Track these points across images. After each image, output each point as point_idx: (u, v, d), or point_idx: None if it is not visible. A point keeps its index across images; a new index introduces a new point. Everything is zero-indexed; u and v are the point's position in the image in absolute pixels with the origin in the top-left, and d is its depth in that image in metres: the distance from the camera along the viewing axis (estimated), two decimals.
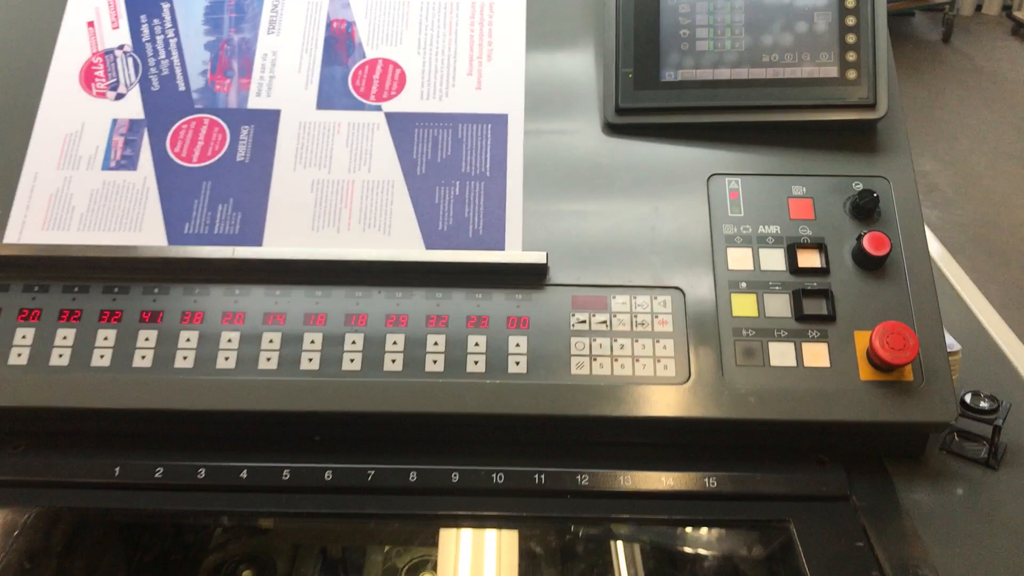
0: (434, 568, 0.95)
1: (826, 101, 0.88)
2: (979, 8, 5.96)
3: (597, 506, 0.80)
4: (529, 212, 0.87)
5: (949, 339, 0.86)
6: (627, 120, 0.90)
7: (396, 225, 0.87)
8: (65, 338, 0.82)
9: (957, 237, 3.40)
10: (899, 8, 5.59)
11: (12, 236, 0.86)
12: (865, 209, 0.86)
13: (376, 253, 0.85)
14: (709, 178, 0.89)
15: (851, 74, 0.88)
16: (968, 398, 0.86)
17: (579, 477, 0.80)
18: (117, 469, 0.80)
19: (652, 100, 0.90)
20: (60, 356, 0.82)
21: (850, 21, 0.89)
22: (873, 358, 0.81)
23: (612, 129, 0.91)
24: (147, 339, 0.82)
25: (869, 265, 0.85)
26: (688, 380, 0.81)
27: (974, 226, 3.48)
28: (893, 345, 0.79)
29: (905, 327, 0.80)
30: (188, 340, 0.82)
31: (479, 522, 0.81)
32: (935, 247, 1.21)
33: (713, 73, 0.89)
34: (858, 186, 0.88)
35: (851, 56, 0.88)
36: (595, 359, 0.82)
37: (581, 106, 0.92)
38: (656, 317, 0.84)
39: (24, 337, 0.83)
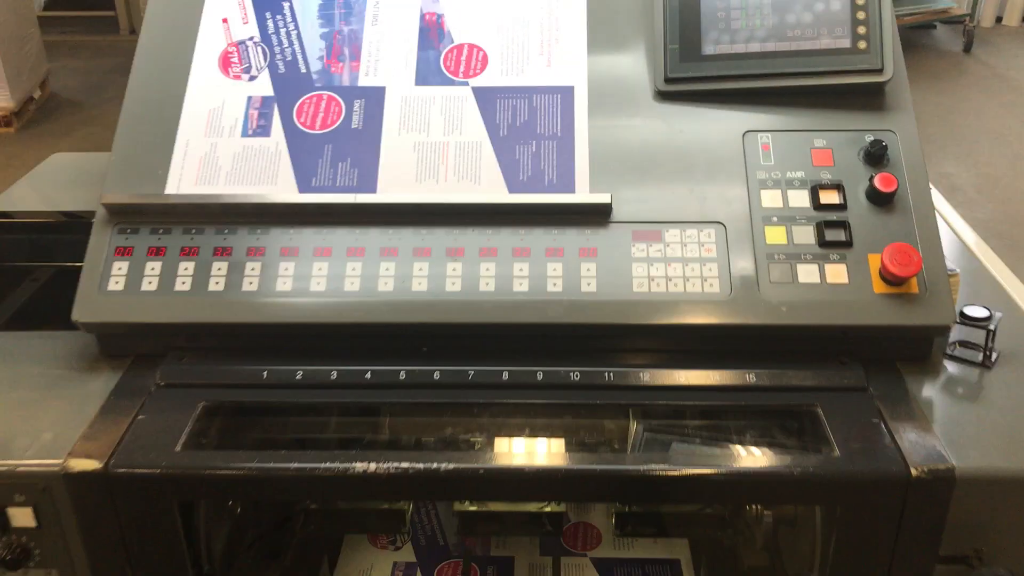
0: None
1: (841, 67, 1.06)
2: (999, 20, 6.10)
3: (659, 397, 0.97)
4: (594, 164, 1.05)
5: (949, 263, 1.03)
6: (675, 88, 1.09)
7: (484, 176, 1.05)
8: (219, 269, 1.01)
9: (980, 233, 3.53)
10: (920, 20, 5.74)
11: (171, 189, 1.06)
12: (876, 156, 1.04)
13: (469, 197, 1.03)
14: (744, 134, 1.07)
15: (861, 44, 1.06)
16: (966, 310, 1.03)
17: (642, 374, 0.98)
18: (265, 373, 0.99)
19: (695, 70, 1.08)
20: (216, 283, 1.01)
21: (860, 1, 1.07)
22: (884, 273, 0.98)
23: (662, 96, 1.09)
24: (286, 269, 1.01)
25: (880, 201, 1.02)
26: (731, 294, 0.98)
27: (995, 223, 3.62)
28: (900, 261, 0.96)
29: (910, 247, 0.97)
30: (320, 269, 1.01)
31: (558, 410, 0.98)
32: (940, 201, 1.37)
33: (746, 47, 1.07)
34: (869, 138, 1.05)
35: (861, 30, 1.06)
36: (652, 280, 0.99)
37: (635, 77, 1.10)
38: (702, 246, 1.01)
39: (186, 269, 1.02)
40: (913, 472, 0.86)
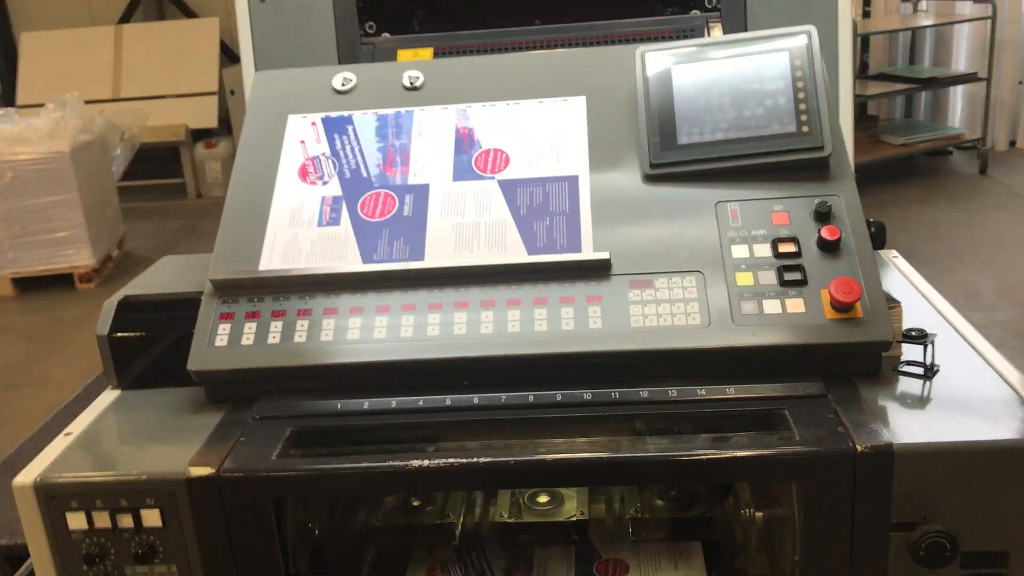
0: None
1: (790, 147, 1.33)
2: (1013, 143, 6.39)
3: (655, 409, 1.19)
4: (597, 232, 1.32)
5: (890, 295, 1.26)
6: (658, 171, 1.36)
7: (509, 245, 1.32)
8: (302, 326, 1.28)
9: (999, 333, 3.71)
10: (935, 147, 6.06)
11: (264, 267, 1.34)
12: (823, 214, 1.29)
13: (497, 260, 1.30)
14: (716, 204, 1.33)
15: (805, 128, 1.33)
16: (907, 330, 1.25)
17: (640, 392, 1.21)
18: (339, 404, 1.24)
19: (673, 156, 1.36)
20: (300, 336, 1.27)
21: (800, 96, 1.35)
22: (833, 302, 1.21)
23: (648, 178, 1.37)
24: (354, 323, 1.27)
25: (827, 248, 1.26)
26: (709, 324, 1.22)
27: (1013, 323, 3.79)
28: (844, 290, 1.20)
29: (852, 280, 1.21)
30: (381, 322, 1.27)
31: (574, 422, 1.20)
32: (908, 268, 1.61)
33: (713, 136, 1.35)
34: (817, 200, 1.31)
35: (804, 117, 1.34)
36: (646, 316, 1.24)
37: (626, 164, 1.38)
38: (685, 289, 1.26)
39: (275, 327, 1.28)
40: (858, 448, 1.07)
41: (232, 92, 6.65)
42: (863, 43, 6.49)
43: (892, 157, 5.88)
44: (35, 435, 2.37)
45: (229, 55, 7.15)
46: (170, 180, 6.98)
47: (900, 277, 1.58)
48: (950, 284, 4.17)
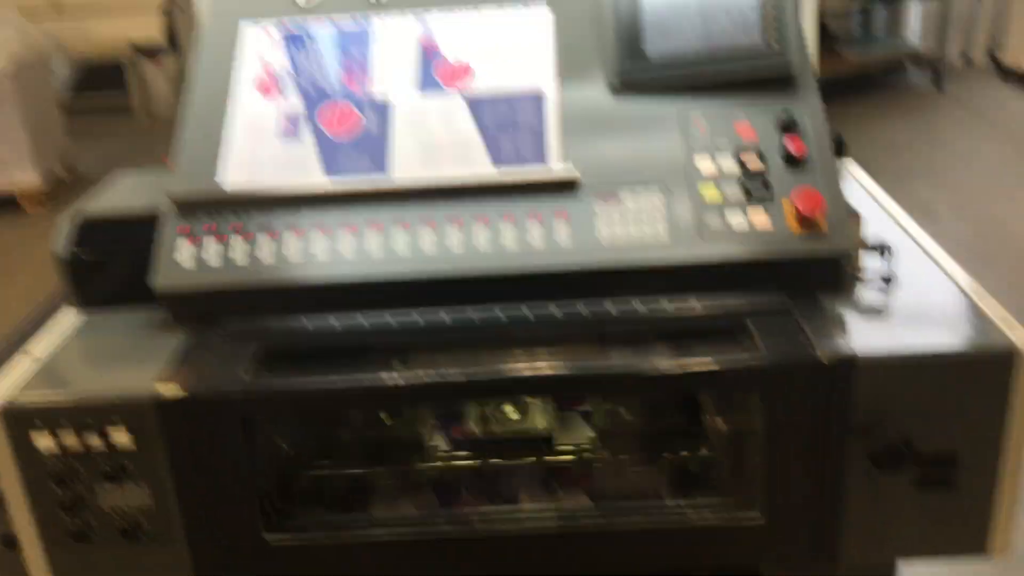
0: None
1: (758, 61, 1.32)
2: (968, 59, 6.42)
3: (623, 323, 1.21)
4: (565, 146, 1.31)
5: (851, 207, 1.27)
6: (625, 84, 1.35)
7: (475, 161, 1.31)
8: (267, 244, 1.26)
9: (952, 248, 3.77)
10: (893, 62, 6.07)
11: (224, 183, 1.31)
12: (787, 127, 1.29)
13: (464, 177, 1.28)
14: (682, 116, 1.33)
15: (773, 45, 1.32)
16: (869, 242, 1.27)
17: (609, 306, 1.22)
18: (308, 323, 1.23)
19: (640, 69, 1.34)
20: (265, 254, 1.25)
21: (770, 12, 1.33)
22: (796, 214, 1.22)
23: (615, 91, 1.35)
24: (321, 241, 1.26)
25: (792, 161, 1.27)
26: (675, 238, 1.23)
27: (968, 241, 3.86)
28: (806, 201, 1.21)
29: (815, 192, 1.22)
30: (348, 239, 1.26)
31: (544, 336, 1.21)
32: (865, 178, 1.62)
33: (680, 48, 1.34)
34: (782, 113, 1.31)
35: (772, 33, 1.32)
36: (612, 231, 1.24)
37: (593, 78, 1.36)
38: (651, 203, 1.26)
39: (239, 246, 1.26)
40: (822, 358, 1.10)
41: (180, 9, 6.42)
42: None
43: (849, 72, 5.88)
44: None
45: None
46: (117, 98, 6.77)
47: (858, 188, 1.60)
48: (905, 200, 4.20)
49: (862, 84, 6.06)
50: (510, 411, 1.35)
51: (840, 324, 1.17)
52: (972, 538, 1.20)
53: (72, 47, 5.52)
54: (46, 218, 4.87)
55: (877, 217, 1.48)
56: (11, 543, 1.29)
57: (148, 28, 6.50)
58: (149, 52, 6.63)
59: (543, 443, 1.34)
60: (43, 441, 1.15)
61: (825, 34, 6.03)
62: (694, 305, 1.22)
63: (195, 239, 1.27)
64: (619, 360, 1.16)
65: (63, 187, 5.21)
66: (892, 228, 1.43)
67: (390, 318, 1.23)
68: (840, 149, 1.55)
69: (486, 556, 1.23)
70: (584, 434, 1.37)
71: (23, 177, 4.85)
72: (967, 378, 1.12)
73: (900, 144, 4.97)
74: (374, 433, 1.35)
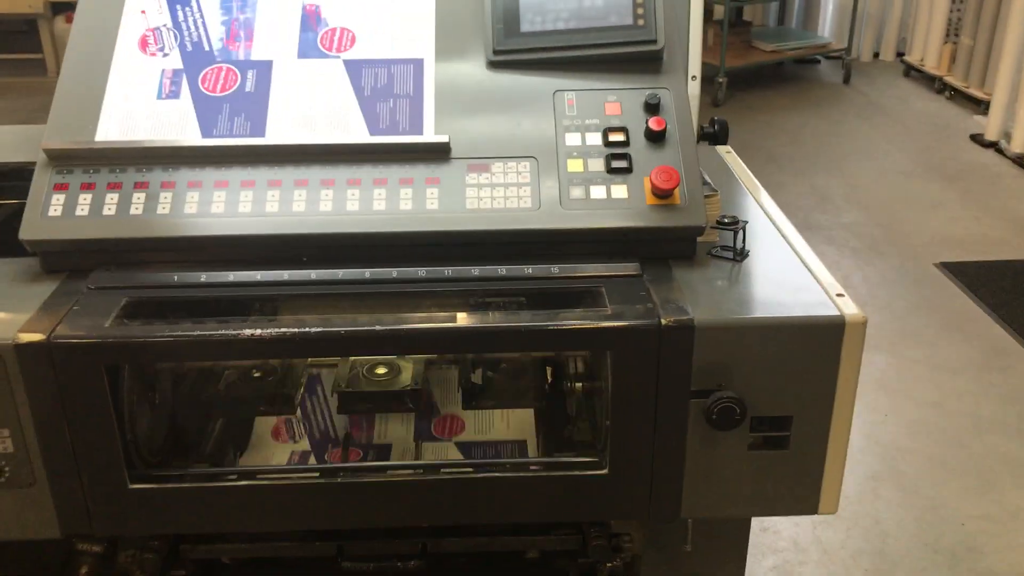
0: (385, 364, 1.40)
1: (626, 39, 1.38)
2: (876, 55, 6.65)
3: (485, 285, 1.26)
4: (439, 115, 1.35)
5: (710, 184, 1.34)
6: (500, 58, 1.39)
7: (351, 125, 1.34)
8: (138, 198, 1.28)
9: (843, 235, 3.94)
10: (804, 55, 6.25)
11: (100, 137, 1.32)
12: (652, 106, 1.36)
13: (339, 139, 1.32)
14: (554, 93, 1.38)
15: (640, 22, 1.38)
16: (721, 218, 1.34)
17: (473, 270, 1.27)
18: (175, 277, 1.26)
19: (516, 44, 1.39)
20: (136, 209, 1.27)
21: None
22: (654, 189, 1.29)
23: (491, 65, 1.40)
24: (192, 197, 1.28)
25: (654, 138, 1.33)
26: (540, 208, 1.28)
27: (858, 225, 4.03)
28: (663, 178, 1.28)
29: (672, 168, 1.29)
30: (219, 197, 1.28)
31: (408, 297, 1.26)
32: (738, 163, 1.71)
33: (554, 25, 1.39)
34: (648, 93, 1.37)
35: (640, 11, 1.39)
36: (481, 199, 1.29)
37: (471, 50, 1.41)
38: (519, 174, 1.31)
39: (111, 199, 1.28)
40: (663, 321, 1.17)
41: None
42: None
43: (763, 63, 6.03)
44: None
45: None
46: (28, 55, 6.58)
47: (728, 170, 1.68)
48: (803, 187, 4.38)
49: (775, 75, 6.23)
50: (381, 370, 1.40)
51: (686, 292, 1.24)
52: (804, 497, 1.29)
53: None
54: None
55: (740, 197, 1.56)
56: None
57: None
58: (64, 8, 6.45)
59: (410, 397, 1.38)
60: None
61: (742, 24, 6.18)
62: (553, 271, 1.28)
63: (67, 192, 1.28)
64: (480, 319, 1.22)
65: None
66: (753, 208, 1.51)
67: (257, 274, 1.27)
68: (724, 134, 1.64)
69: (352, 505, 1.27)
70: (451, 391, 1.42)
71: None
72: (799, 345, 1.20)
73: (805, 134, 5.13)
74: (247, 386, 1.38)
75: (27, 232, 1.26)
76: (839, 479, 1.28)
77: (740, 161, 1.71)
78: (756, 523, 2.31)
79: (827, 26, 6.63)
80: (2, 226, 1.34)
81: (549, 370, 1.48)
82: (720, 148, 1.79)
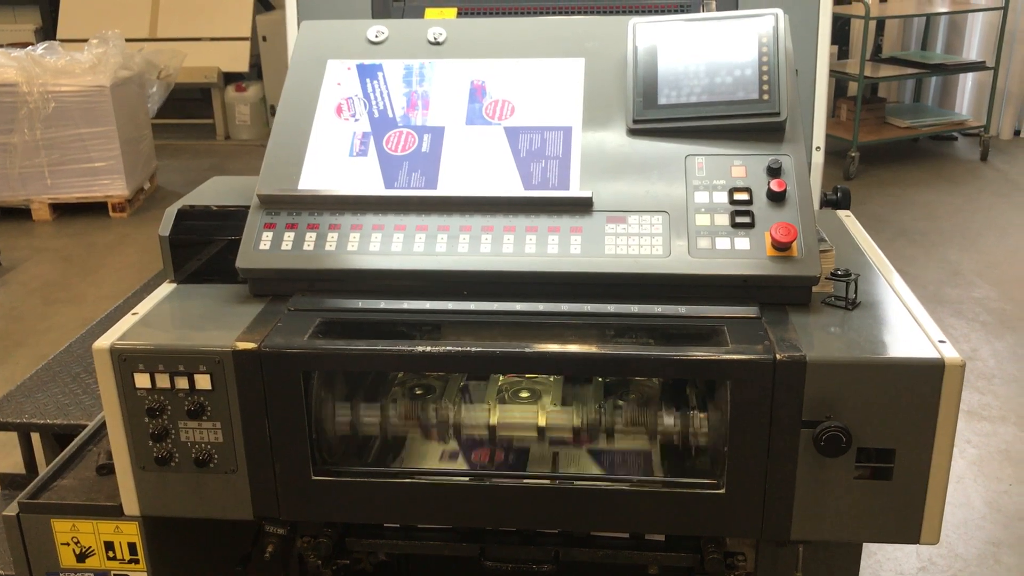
0: (528, 390, 1.60)
1: (752, 112, 1.57)
2: (1017, 133, 6.56)
3: (622, 321, 1.45)
4: (584, 174, 1.56)
5: (826, 240, 1.50)
6: (640, 127, 1.60)
7: (508, 181, 1.57)
8: (332, 237, 1.53)
9: (974, 309, 3.94)
10: (940, 131, 6.24)
11: (302, 186, 1.59)
12: (774, 170, 1.53)
13: (498, 192, 1.55)
14: (686, 157, 1.58)
15: (765, 96, 1.57)
16: (836, 272, 1.50)
17: (610, 307, 1.46)
18: (360, 303, 1.50)
19: (654, 114, 1.60)
20: (330, 245, 1.53)
21: (764, 68, 1.58)
22: (773, 242, 1.46)
23: (631, 132, 1.61)
24: (376, 238, 1.53)
25: (775, 198, 1.51)
26: (670, 255, 1.47)
27: (989, 300, 4.02)
28: (783, 232, 1.44)
29: (791, 224, 1.46)
30: (398, 238, 1.52)
31: (553, 328, 1.46)
32: (857, 226, 1.85)
33: (688, 98, 1.59)
34: (771, 159, 1.55)
35: (765, 87, 1.57)
36: (617, 246, 1.49)
37: (614, 119, 1.62)
38: (652, 226, 1.51)
39: (310, 237, 1.54)
40: (778, 356, 1.33)
41: (264, 38, 6.86)
42: (878, 26, 6.65)
43: (897, 139, 6.07)
44: (81, 337, 2.66)
45: (262, 2, 7.36)
46: (201, 120, 7.23)
47: (847, 233, 1.83)
48: (935, 260, 4.39)
49: (910, 151, 6.24)
50: (524, 393, 1.60)
51: (800, 333, 1.39)
52: (907, 527, 1.40)
53: (166, 69, 5.96)
54: (129, 224, 5.26)
55: (855, 256, 1.70)
56: (106, 471, 1.58)
57: (236, 58, 6.96)
58: (235, 78, 7.09)
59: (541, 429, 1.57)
60: (141, 380, 1.42)
61: (876, 100, 6.23)
62: (680, 310, 1.46)
63: (274, 230, 1.55)
64: (615, 347, 1.40)
65: (146, 198, 5.62)
66: (867, 266, 1.65)
67: (426, 303, 1.50)
68: (846, 201, 1.80)
69: (494, 505, 1.46)
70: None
71: (113, 186, 5.25)
72: (902, 384, 1.33)
73: (939, 210, 5.14)
74: (411, 405, 1.60)
75: (242, 262, 1.53)
76: (940, 511, 1.39)
77: (858, 224, 1.86)
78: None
79: (965, 103, 6.60)
80: (218, 257, 1.61)
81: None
82: (840, 212, 1.94)
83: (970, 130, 6.31)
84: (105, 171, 5.21)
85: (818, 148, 1.84)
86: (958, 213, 5.10)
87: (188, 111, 7.31)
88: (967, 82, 6.59)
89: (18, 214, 5.28)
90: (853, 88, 5.96)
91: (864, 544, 1.63)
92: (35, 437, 2.36)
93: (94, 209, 5.33)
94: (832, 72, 4.65)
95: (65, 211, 5.35)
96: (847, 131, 5.75)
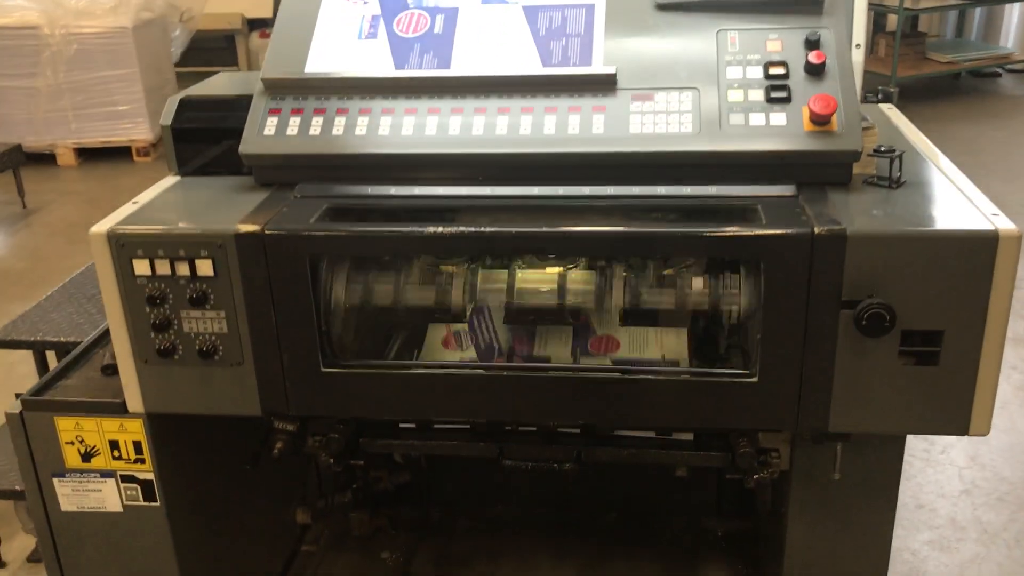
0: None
1: None
2: None
3: (651, 202, 1.35)
4: (608, 52, 1.46)
5: (867, 118, 1.39)
6: (668, 1, 1.49)
7: (527, 59, 1.47)
8: (339, 122, 1.45)
9: None
10: (984, 65, 6.02)
11: (309, 70, 1.51)
12: (812, 42, 1.42)
13: (515, 71, 1.45)
14: (717, 32, 1.47)
15: None
16: (879, 149, 1.39)
17: (636, 189, 1.37)
18: (369, 189, 1.42)
19: None
20: (337, 129, 1.44)
21: None
22: (811, 115, 1.35)
23: (659, 7, 1.50)
24: (385, 121, 1.44)
25: (813, 71, 1.40)
26: (699, 131, 1.37)
27: None
28: (821, 104, 1.34)
29: (830, 96, 1.35)
30: (408, 120, 1.43)
31: (574, 211, 1.37)
32: (900, 116, 1.73)
33: None
34: (810, 32, 1.44)
35: None
36: (643, 124, 1.39)
37: None
38: (681, 103, 1.40)
39: (316, 122, 1.45)
40: (816, 230, 1.22)
41: None
42: None
43: (938, 75, 5.85)
44: None
45: None
46: (225, 68, 7.16)
47: (890, 123, 1.71)
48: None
49: (951, 87, 6.03)
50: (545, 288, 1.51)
51: (840, 209, 1.29)
52: (954, 417, 1.30)
53: (188, 12, 5.88)
54: (153, 168, 5.22)
55: (898, 139, 1.59)
56: (111, 371, 1.52)
57: (260, 2, 6.86)
58: (259, 24, 7.00)
59: (571, 313, 1.48)
60: (141, 267, 1.35)
61: (916, 35, 6.01)
62: (711, 190, 1.36)
63: (279, 116, 1.47)
64: (640, 225, 1.31)
65: None
66: (912, 148, 1.54)
67: (439, 188, 1.41)
68: (888, 99, 1.68)
69: (512, 399, 1.38)
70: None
71: (136, 130, 5.20)
72: (952, 259, 1.23)
73: (983, 144, 4.95)
74: (424, 294, 1.51)
75: (246, 147, 1.45)
76: (992, 399, 1.29)
77: (902, 116, 1.74)
78: (911, 500, 2.28)
79: (1011, 37, 6.35)
80: (222, 148, 1.54)
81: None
82: (882, 105, 1.82)
83: (1015, 65, 6.07)
84: (129, 114, 5.16)
85: (858, 46, 1.72)
86: (1002, 147, 4.91)
87: (212, 59, 7.23)
88: (1013, 14, 6.33)
89: (43, 159, 5.25)
90: (892, 22, 5.75)
91: (904, 465, 1.54)
92: (50, 356, 2.31)
93: (119, 154, 5.28)
94: (870, 5, 4.48)
95: (90, 156, 5.31)
96: (886, 67, 5.55)
